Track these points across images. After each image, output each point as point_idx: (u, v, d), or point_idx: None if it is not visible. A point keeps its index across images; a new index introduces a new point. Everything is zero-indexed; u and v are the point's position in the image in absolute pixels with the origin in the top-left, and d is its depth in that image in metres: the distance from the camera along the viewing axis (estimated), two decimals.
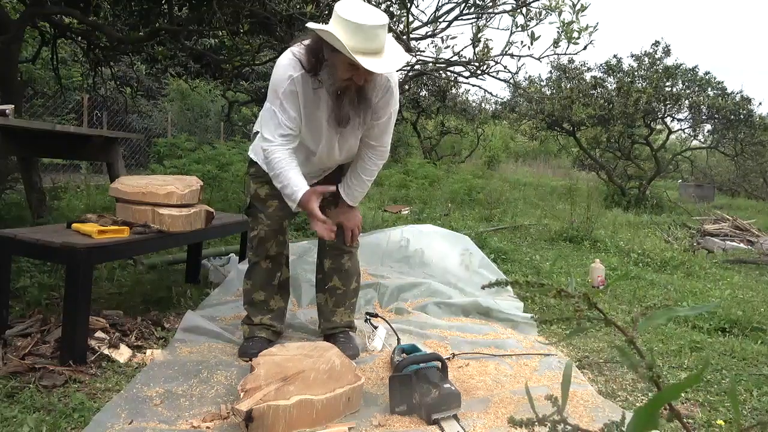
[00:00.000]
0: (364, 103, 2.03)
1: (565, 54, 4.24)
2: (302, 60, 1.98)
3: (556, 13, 3.98)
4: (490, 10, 4.24)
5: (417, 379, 1.87)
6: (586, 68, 12.50)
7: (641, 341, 2.72)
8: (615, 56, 12.92)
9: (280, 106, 2.03)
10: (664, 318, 0.71)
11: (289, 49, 2.06)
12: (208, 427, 1.72)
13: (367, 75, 1.91)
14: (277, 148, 2.04)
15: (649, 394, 2.17)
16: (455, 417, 1.82)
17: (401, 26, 4.31)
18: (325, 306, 2.46)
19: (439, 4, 4.24)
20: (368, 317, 2.69)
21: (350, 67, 1.87)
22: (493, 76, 4.82)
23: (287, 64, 2.01)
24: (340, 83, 1.96)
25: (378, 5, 4.25)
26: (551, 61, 13.10)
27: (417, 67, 4.99)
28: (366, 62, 1.80)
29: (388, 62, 1.86)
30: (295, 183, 2.03)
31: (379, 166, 2.25)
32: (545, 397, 0.84)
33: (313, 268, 3.18)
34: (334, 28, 1.83)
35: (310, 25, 1.91)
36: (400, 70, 5.12)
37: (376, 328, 2.61)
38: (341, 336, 2.41)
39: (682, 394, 2.16)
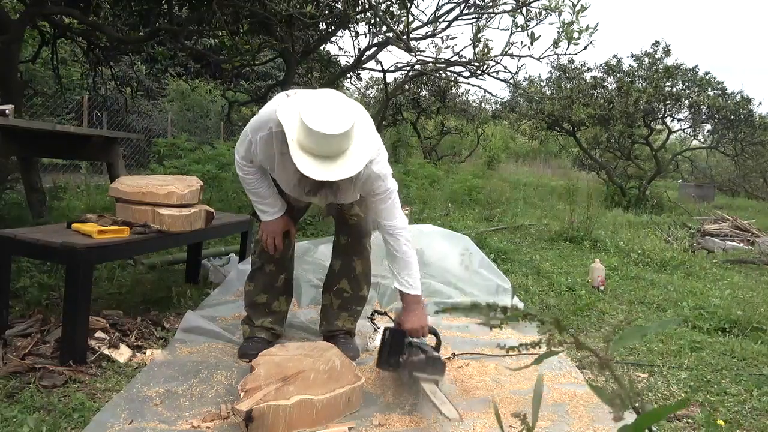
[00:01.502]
0: (330, 186, 1.89)
1: (565, 54, 4.24)
2: None
3: (556, 14, 3.98)
4: (490, 11, 4.23)
5: (409, 345, 1.90)
6: (586, 68, 12.49)
7: (641, 341, 2.72)
8: (615, 56, 12.89)
9: (254, 145, 2.04)
10: (636, 337, 0.71)
11: (286, 93, 1.99)
12: (208, 427, 1.72)
13: None
14: (249, 168, 2.14)
15: (649, 393, 2.17)
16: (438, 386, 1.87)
17: (401, 26, 4.31)
18: (330, 308, 2.44)
19: (439, 4, 4.24)
20: (374, 314, 2.68)
21: None
22: (493, 77, 4.82)
23: (274, 113, 1.91)
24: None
25: (378, 5, 4.25)
26: (551, 61, 13.11)
27: (417, 67, 4.99)
28: (305, 164, 1.74)
29: (334, 170, 1.75)
30: (273, 204, 2.21)
31: (406, 244, 2.08)
32: (512, 414, 0.84)
33: (313, 268, 3.19)
34: (292, 120, 1.79)
35: (279, 112, 1.83)
36: (401, 69, 5.13)
37: (378, 328, 2.61)
38: (341, 337, 2.40)
39: (682, 394, 2.16)
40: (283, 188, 2.18)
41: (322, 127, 1.73)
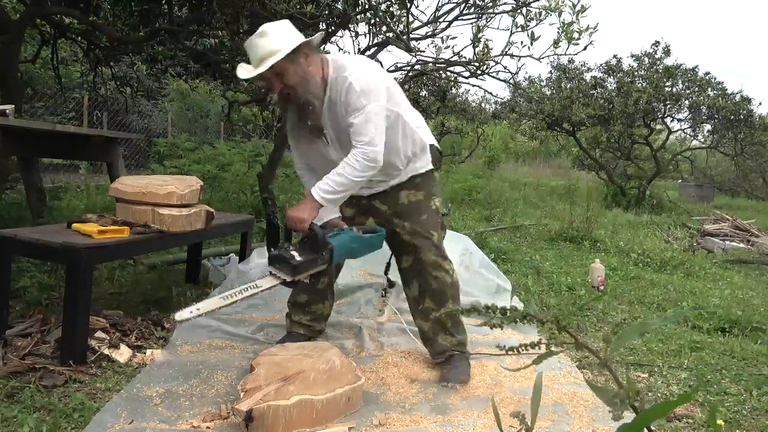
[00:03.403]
0: (304, 107, 2.03)
1: (565, 54, 4.23)
2: None
3: (556, 14, 3.97)
4: (490, 11, 4.23)
5: (286, 241, 2.03)
6: (586, 68, 12.48)
7: (641, 341, 2.72)
8: (615, 56, 12.84)
9: (291, 145, 2.29)
10: (636, 334, 0.71)
11: None
12: (208, 427, 1.72)
13: (273, 83, 1.98)
14: (303, 174, 2.29)
15: (649, 393, 2.17)
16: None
17: (401, 26, 4.30)
18: (426, 333, 2.28)
19: (439, 4, 4.23)
20: (385, 288, 2.62)
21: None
22: (493, 77, 4.80)
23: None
24: (277, 97, 2.08)
25: (378, 5, 4.24)
26: (551, 62, 13.09)
27: (417, 67, 4.99)
28: (240, 70, 2.01)
29: (259, 68, 1.93)
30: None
31: (355, 166, 1.95)
32: (511, 414, 0.84)
33: None
34: None
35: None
36: (401, 70, 5.13)
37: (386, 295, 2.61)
38: (456, 360, 2.22)
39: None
40: (311, 159, 2.24)
41: (251, 38, 1.98)
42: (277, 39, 1.95)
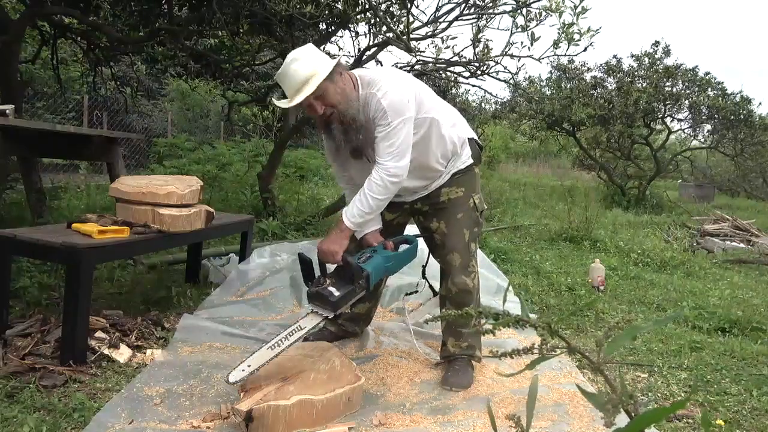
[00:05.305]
0: (349, 125, 1.99)
1: (565, 55, 4.22)
2: None
3: (557, 15, 3.96)
4: (491, 11, 4.22)
5: (321, 275, 2.01)
6: (586, 68, 12.47)
7: (641, 341, 2.72)
8: (615, 56, 12.86)
9: (331, 163, 2.29)
10: (629, 338, 0.71)
11: None
12: (208, 427, 1.72)
13: (314, 106, 1.94)
14: (349, 196, 2.23)
15: (649, 393, 2.17)
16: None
17: (401, 26, 4.30)
18: (443, 332, 2.30)
19: (439, 5, 4.23)
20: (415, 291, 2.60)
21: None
22: (493, 77, 4.80)
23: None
24: (317, 123, 2.08)
25: (378, 5, 4.24)
26: (551, 62, 13.08)
27: (417, 67, 4.98)
28: (279, 101, 2.02)
29: (294, 99, 1.93)
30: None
31: (380, 185, 1.97)
32: (506, 416, 0.84)
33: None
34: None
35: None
36: (402, 69, 5.13)
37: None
38: (456, 363, 2.22)
39: (682, 394, 2.16)
40: (352, 173, 2.23)
41: (280, 69, 1.96)
42: (310, 62, 1.93)
